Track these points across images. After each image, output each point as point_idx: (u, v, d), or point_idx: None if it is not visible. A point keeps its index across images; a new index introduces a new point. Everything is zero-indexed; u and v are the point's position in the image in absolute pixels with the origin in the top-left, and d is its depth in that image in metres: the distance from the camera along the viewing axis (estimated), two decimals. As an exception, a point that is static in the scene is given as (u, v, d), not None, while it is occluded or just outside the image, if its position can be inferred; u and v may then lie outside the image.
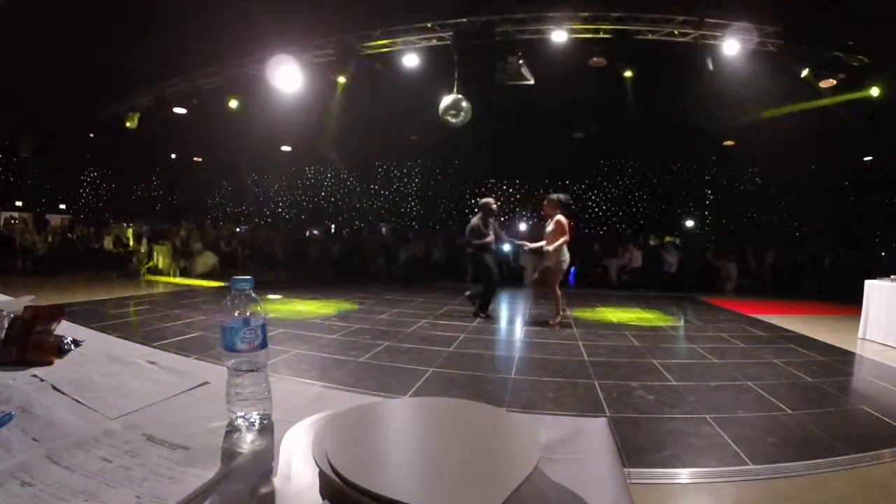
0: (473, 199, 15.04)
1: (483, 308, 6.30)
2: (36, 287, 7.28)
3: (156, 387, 0.83)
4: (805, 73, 7.04)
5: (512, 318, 6.82)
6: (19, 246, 10.63)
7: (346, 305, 7.05)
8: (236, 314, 0.69)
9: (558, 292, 5.87)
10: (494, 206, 6.26)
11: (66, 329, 1.09)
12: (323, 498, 0.51)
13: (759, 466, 2.24)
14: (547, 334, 5.35)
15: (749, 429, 2.74)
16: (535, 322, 6.17)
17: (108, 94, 10.18)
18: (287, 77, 8.19)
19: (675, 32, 7.40)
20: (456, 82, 7.89)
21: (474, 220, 6.19)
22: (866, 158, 12.21)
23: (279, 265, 12.68)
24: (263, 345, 0.71)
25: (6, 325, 0.95)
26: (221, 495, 0.53)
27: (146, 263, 10.64)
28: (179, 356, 1.07)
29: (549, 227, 5.73)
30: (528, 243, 6.46)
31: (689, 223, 13.95)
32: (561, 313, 5.92)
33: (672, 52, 7.56)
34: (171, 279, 9.93)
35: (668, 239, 11.59)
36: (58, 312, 1.00)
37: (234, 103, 9.78)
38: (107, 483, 0.53)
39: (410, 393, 3.23)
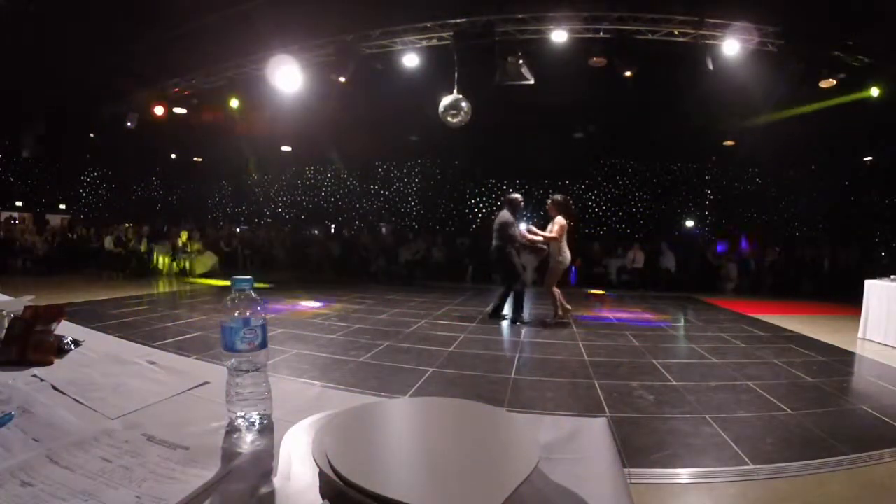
0: (473, 199, 15.07)
1: (518, 310, 5.92)
2: (36, 287, 7.26)
3: (156, 387, 0.83)
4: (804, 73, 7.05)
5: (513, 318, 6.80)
6: (19, 246, 10.64)
7: (346, 305, 7.04)
8: (236, 314, 0.69)
9: (555, 292, 5.83)
10: (522, 202, 6.07)
11: (66, 329, 1.09)
12: (323, 498, 0.51)
13: (759, 466, 2.24)
14: (547, 334, 5.35)
15: (749, 429, 2.74)
16: (535, 322, 6.09)
17: (108, 94, 10.18)
18: (287, 77, 8.19)
19: (675, 32, 7.40)
20: (456, 82, 7.88)
21: (505, 214, 5.89)
22: (866, 158, 12.21)
23: (279, 265, 12.68)
24: (263, 345, 0.71)
25: (6, 325, 0.95)
26: (221, 495, 0.53)
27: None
28: (179, 356, 1.07)
29: (550, 228, 5.75)
30: (529, 234, 5.94)
31: (690, 223, 13.94)
32: (560, 313, 5.85)
33: (672, 52, 7.56)
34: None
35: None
36: (58, 312, 1.00)
37: (234, 103, 9.79)
38: (107, 483, 0.53)
39: (410, 393, 3.23)
